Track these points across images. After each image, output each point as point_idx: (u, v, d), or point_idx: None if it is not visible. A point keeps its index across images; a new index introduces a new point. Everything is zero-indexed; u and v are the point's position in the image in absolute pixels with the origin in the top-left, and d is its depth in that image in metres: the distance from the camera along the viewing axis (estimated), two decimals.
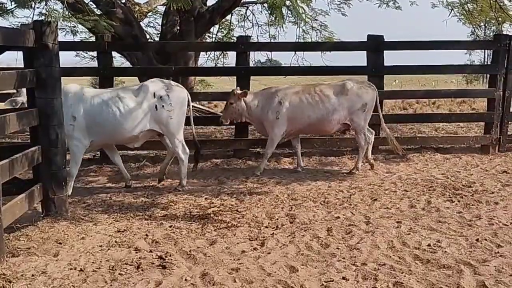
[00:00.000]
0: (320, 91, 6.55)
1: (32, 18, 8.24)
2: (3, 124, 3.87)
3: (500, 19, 10.20)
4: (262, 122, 6.65)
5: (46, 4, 8.14)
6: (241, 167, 7.17)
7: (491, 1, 9.63)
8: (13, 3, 9.05)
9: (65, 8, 8.11)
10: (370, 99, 6.63)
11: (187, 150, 6.05)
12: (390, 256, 3.89)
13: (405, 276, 3.52)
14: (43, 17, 8.62)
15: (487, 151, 7.90)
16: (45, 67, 4.49)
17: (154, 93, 5.75)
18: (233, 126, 8.16)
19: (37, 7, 8.30)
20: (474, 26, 12.41)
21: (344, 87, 6.56)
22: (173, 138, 5.91)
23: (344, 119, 6.60)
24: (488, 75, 8.62)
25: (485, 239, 4.23)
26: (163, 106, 5.74)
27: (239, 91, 6.61)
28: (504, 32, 9.96)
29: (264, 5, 13.01)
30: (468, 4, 10.66)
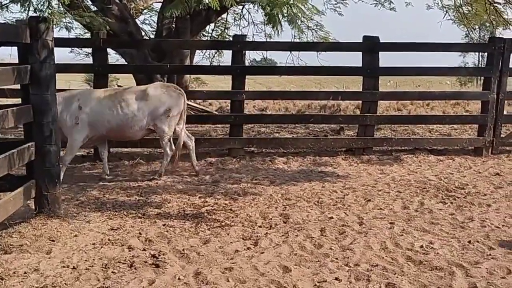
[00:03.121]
0: (121, 96, 6.18)
1: (27, 14, 8.20)
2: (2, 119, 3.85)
3: (494, 22, 10.26)
4: (60, 127, 5.59)
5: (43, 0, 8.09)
6: (235, 166, 7.16)
7: (486, 4, 9.68)
8: None
9: (60, 4, 8.07)
10: (175, 104, 6.30)
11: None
12: (383, 257, 3.90)
13: (397, 277, 3.54)
14: (38, 13, 8.57)
15: (480, 153, 7.96)
16: (40, 63, 4.46)
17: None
18: (228, 125, 8.16)
19: (33, 2, 8.25)
20: (468, 29, 12.48)
21: (145, 92, 6.24)
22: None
23: (147, 125, 6.24)
24: (482, 78, 8.67)
25: (477, 241, 4.25)
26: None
27: None
28: (498, 35, 10.01)
29: (260, 4, 13.01)
30: (463, 7, 10.71)
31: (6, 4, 9.19)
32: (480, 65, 31.91)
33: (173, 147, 6.47)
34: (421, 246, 4.12)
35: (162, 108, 6.25)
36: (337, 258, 3.86)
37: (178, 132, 6.47)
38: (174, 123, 6.37)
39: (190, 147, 6.67)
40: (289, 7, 6.74)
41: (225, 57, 13.70)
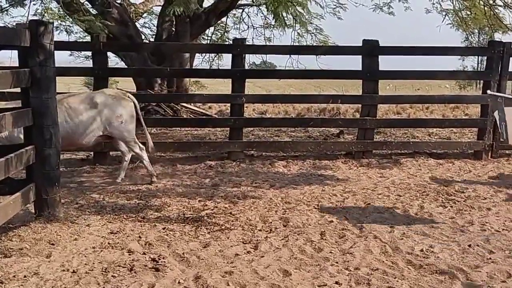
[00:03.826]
0: (67, 103, 5.88)
1: (28, 17, 8.21)
2: None
3: (493, 26, 10.29)
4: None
5: (42, 3, 8.13)
6: (235, 170, 7.16)
7: (485, 9, 9.71)
8: (7, 1, 9.02)
9: (60, 7, 8.08)
10: (124, 111, 6.16)
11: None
12: (383, 261, 3.90)
13: (397, 281, 3.54)
14: (38, 16, 8.59)
15: (480, 157, 7.95)
16: (40, 67, 4.46)
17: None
18: (228, 128, 8.17)
19: (34, 4, 8.28)
20: (467, 33, 12.52)
21: (92, 100, 6.05)
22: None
23: (101, 132, 6.08)
24: (482, 81, 8.69)
25: (478, 245, 4.25)
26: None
27: None
28: (497, 39, 10.03)
29: (260, 8, 13.05)
30: (462, 12, 10.75)
31: (6, 8, 9.21)
32: (479, 69, 31.97)
33: (142, 146, 6.39)
34: (421, 250, 4.12)
35: (113, 115, 6.08)
36: (337, 262, 3.86)
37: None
38: (132, 127, 6.25)
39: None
40: (293, 5, 6.75)
41: (225, 61, 13.76)
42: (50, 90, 4.57)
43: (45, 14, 7.64)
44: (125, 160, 6.39)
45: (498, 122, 5.15)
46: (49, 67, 4.53)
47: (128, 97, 6.36)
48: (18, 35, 4.29)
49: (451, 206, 5.44)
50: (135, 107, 6.34)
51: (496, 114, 5.12)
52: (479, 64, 36.22)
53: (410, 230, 4.63)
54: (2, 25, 9.87)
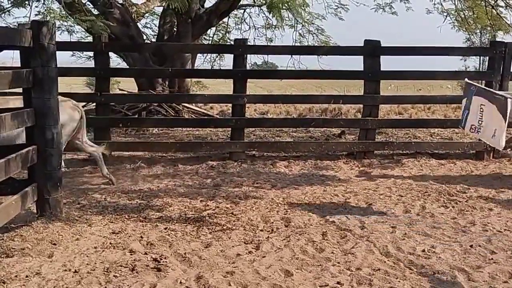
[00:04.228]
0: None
1: (30, 18, 8.23)
2: None
3: (494, 26, 10.27)
4: None
5: (44, 3, 8.14)
6: (236, 170, 7.16)
7: (487, 8, 9.70)
8: (9, 2, 9.04)
9: (62, 7, 8.09)
10: (69, 122, 5.73)
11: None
12: (385, 261, 3.90)
13: (399, 281, 3.53)
14: (40, 16, 8.61)
15: (482, 157, 7.94)
16: (42, 67, 4.47)
17: None
18: (229, 129, 8.17)
19: (36, 6, 8.29)
20: (469, 33, 12.50)
21: None
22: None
23: None
24: (484, 82, 8.67)
25: (479, 246, 4.24)
26: None
27: None
28: (498, 39, 10.02)
29: (262, 8, 13.07)
30: (464, 12, 10.73)
31: (8, 8, 9.22)
32: (480, 69, 31.93)
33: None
34: (423, 250, 4.12)
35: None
36: (339, 262, 3.86)
37: (80, 146, 6.12)
38: (66, 139, 5.77)
39: (98, 158, 6.31)
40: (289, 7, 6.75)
41: (226, 61, 13.77)
42: (52, 90, 4.58)
43: (48, 15, 7.64)
44: None
45: (462, 109, 5.17)
46: (51, 68, 4.54)
47: (78, 107, 6.00)
48: (20, 35, 4.30)
49: (453, 207, 5.43)
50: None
51: (464, 101, 5.14)
52: (481, 65, 36.19)
53: (411, 231, 4.62)
54: (4, 25, 9.89)
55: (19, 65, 4.66)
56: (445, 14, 11.22)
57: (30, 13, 8.54)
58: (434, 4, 11.36)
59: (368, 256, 3.99)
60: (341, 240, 4.36)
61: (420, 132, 10.22)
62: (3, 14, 9.64)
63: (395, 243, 4.28)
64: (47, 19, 5.16)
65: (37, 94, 4.50)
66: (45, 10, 8.39)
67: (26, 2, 8.49)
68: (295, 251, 4.08)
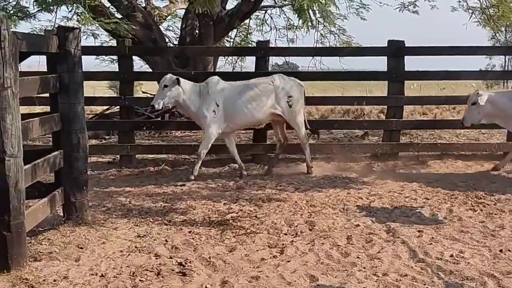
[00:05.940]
0: None
1: (55, 22, 8.36)
2: (26, 130, 3.91)
3: None
4: None
5: (72, 6, 8.21)
6: (259, 172, 7.15)
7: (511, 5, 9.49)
8: (34, 7, 9.19)
9: (86, 12, 8.19)
10: None
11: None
12: (412, 267, 3.83)
13: (427, 287, 3.47)
14: (65, 21, 8.72)
15: None
16: (68, 73, 4.54)
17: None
18: (251, 131, 8.15)
19: (64, 10, 8.40)
20: (495, 31, 12.25)
21: None
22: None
23: None
24: (510, 81, 8.48)
25: (509, 250, 4.14)
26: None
27: None
28: None
29: (283, 9, 13.02)
30: (489, 9, 10.52)
31: (34, 13, 9.38)
32: (506, 68, 31.25)
33: None
34: (451, 255, 4.03)
35: None
36: (364, 268, 3.81)
37: None
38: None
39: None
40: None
41: (247, 63, 13.75)
42: (78, 95, 4.64)
43: (81, 20, 7.71)
44: None
45: None
46: (77, 73, 4.60)
47: None
48: (47, 42, 4.37)
49: (481, 210, 5.32)
50: None
51: None
52: (507, 63, 35.47)
53: (439, 235, 4.54)
54: (30, 29, 10.07)
55: (45, 69, 4.75)
56: (470, 12, 11.02)
57: (55, 18, 8.64)
58: (459, 1, 11.16)
59: (395, 261, 3.93)
60: (366, 244, 4.31)
61: (445, 133, 10.05)
62: (29, 19, 9.80)
63: (422, 248, 4.20)
64: (73, 25, 5.22)
65: (63, 99, 4.56)
66: (75, 13, 8.44)
67: (51, 8, 8.63)
68: (319, 255, 4.05)
